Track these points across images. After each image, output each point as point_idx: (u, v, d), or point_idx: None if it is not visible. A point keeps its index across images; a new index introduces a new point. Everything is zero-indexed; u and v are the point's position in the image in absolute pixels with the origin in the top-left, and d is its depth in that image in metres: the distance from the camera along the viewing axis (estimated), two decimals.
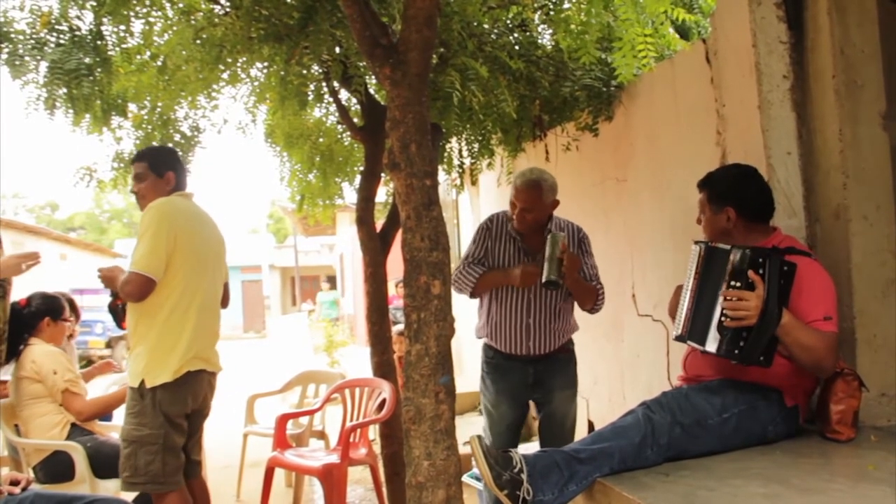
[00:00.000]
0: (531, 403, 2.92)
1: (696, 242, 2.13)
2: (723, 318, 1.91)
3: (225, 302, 2.90)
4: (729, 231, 2.09)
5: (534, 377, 2.78)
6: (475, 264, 2.76)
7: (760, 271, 1.87)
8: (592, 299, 2.76)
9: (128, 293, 2.48)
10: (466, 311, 3.33)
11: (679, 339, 2.12)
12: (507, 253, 2.76)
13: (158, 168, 2.69)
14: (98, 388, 3.76)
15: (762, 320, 1.84)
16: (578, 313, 2.88)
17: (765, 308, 1.84)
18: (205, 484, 2.84)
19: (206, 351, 2.63)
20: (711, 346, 1.95)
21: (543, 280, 2.51)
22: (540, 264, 2.55)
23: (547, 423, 2.84)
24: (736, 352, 1.88)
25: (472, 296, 2.81)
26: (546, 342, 2.75)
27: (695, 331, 2.04)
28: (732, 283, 1.90)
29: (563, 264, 2.49)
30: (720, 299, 1.93)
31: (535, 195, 2.68)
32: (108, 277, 2.61)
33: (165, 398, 2.48)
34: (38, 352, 3.10)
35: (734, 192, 2.09)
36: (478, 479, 2.83)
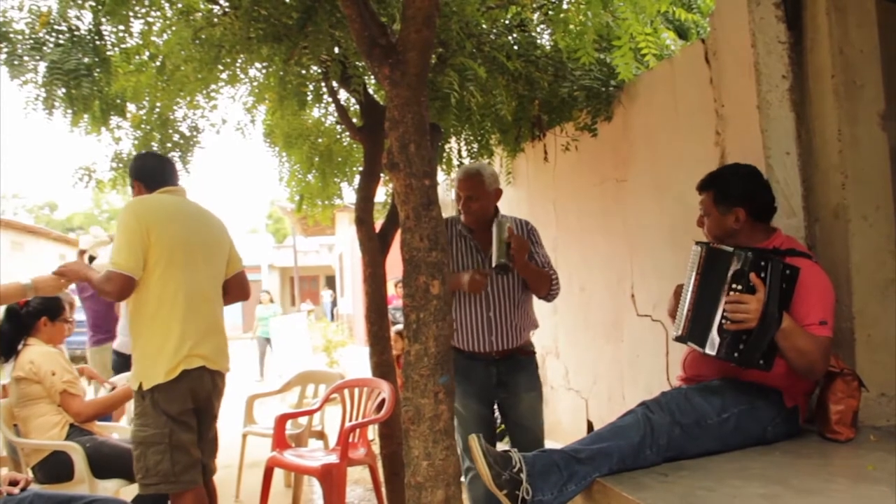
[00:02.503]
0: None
1: (698, 243, 2.13)
2: (723, 321, 1.91)
3: (244, 293, 2.85)
4: (735, 232, 2.09)
5: (497, 378, 2.78)
6: None
7: (762, 275, 1.86)
8: (547, 285, 2.77)
9: (107, 292, 2.43)
10: None
11: (679, 339, 2.12)
12: (460, 252, 2.82)
13: (131, 180, 2.75)
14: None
15: (762, 324, 1.84)
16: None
17: (765, 311, 1.84)
18: (214, 488, 2.78)
19: (201, 347, 2.52)
20: (711, 348, 1.95)
21: (494, 264, 2.55)
22: (489, 253, 2.59)
23: (517, 424, 2.82)
24: (735, 354, 1.89)
25: None
26: (508, 337, 2.76)
27: (695, 332, 2.04)
28: (734, 286, 1.90)
29: (511, 247, 2.54)
30: (721, 302, 1.93)
31: (477, 182, 2.77)
32: (72, 271, 2.60)
33: (162, 398, 2.44)
34: (36, 352, 3.09)
35: (745, 193, 2.08)
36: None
